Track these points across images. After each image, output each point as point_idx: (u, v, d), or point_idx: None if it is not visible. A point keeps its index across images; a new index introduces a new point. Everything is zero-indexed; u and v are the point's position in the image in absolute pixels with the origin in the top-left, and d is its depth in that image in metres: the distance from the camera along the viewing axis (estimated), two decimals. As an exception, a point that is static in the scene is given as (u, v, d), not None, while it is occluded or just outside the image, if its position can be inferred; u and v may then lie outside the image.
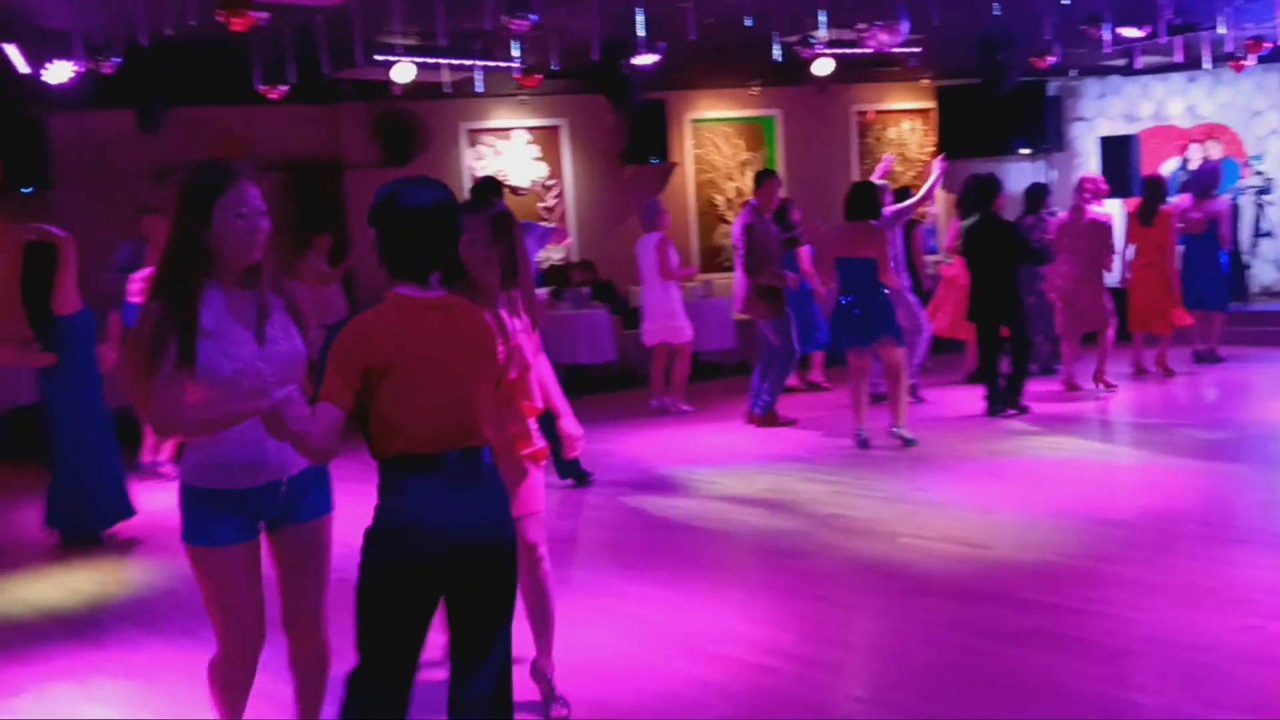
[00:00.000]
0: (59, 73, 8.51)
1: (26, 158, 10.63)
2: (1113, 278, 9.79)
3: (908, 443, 7.85)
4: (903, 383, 7.98)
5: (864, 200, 7.98)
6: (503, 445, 3.70)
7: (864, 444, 7.91)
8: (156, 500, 7.92)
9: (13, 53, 8.51)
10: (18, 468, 7.88)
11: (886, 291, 7.84)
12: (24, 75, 8.79)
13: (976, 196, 8.98)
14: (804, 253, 9.89)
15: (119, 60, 8.32)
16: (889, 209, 8.75)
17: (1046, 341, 10.38)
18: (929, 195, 10.02)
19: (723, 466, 7.77)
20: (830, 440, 8.37)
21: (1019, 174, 13.74)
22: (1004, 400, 8.80)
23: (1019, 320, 8.85)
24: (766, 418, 8.98)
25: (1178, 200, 10.86)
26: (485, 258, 3.61)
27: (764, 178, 9.27)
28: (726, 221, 12.61)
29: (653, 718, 3.93)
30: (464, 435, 2.84)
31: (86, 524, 6.79)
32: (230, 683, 3.27)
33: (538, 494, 3.91)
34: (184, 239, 3.04)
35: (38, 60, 8.53)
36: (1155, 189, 10.14)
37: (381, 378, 2.78)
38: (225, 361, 3.02)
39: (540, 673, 3.96)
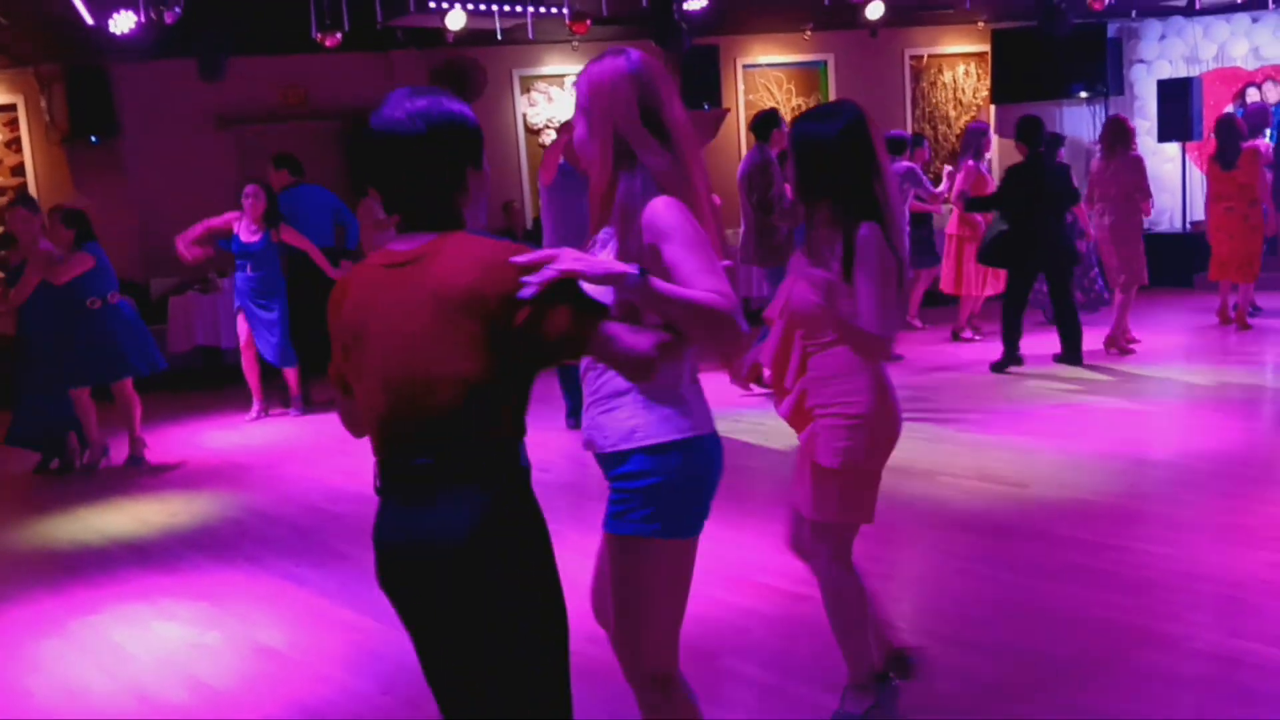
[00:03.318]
0: (123, 22, 8.73)
1: (93, 107, 10.91)
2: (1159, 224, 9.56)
3: None
4: None
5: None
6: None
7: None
8: (225, 439, 8.23)
9: (79, 3, 8.74)
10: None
11: None
12: (90, 26, 9.03)
13: (1024, 137, 8.61)
14: None
15: (180, 10, 8.50)
16: (898, 166, 8.55)
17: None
18: (940, 197, 9.95)
19: (769, 409, 7.87)
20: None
21: (1076, 118, 13.59)
22: (1067, 358, 8.61)
23: (1065, 269, 8.57)
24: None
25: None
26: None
27: (772, 124, 8.42)
28: (778, 167, 12.63)
29: (695, 641, 4.08)
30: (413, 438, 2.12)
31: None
32: None
33: None
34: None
35: (103, 11, 8.75)
36: (1230, 129, 9.61)
37: (345, 358, 2.26)
38: None
39: None
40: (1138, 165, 8.97)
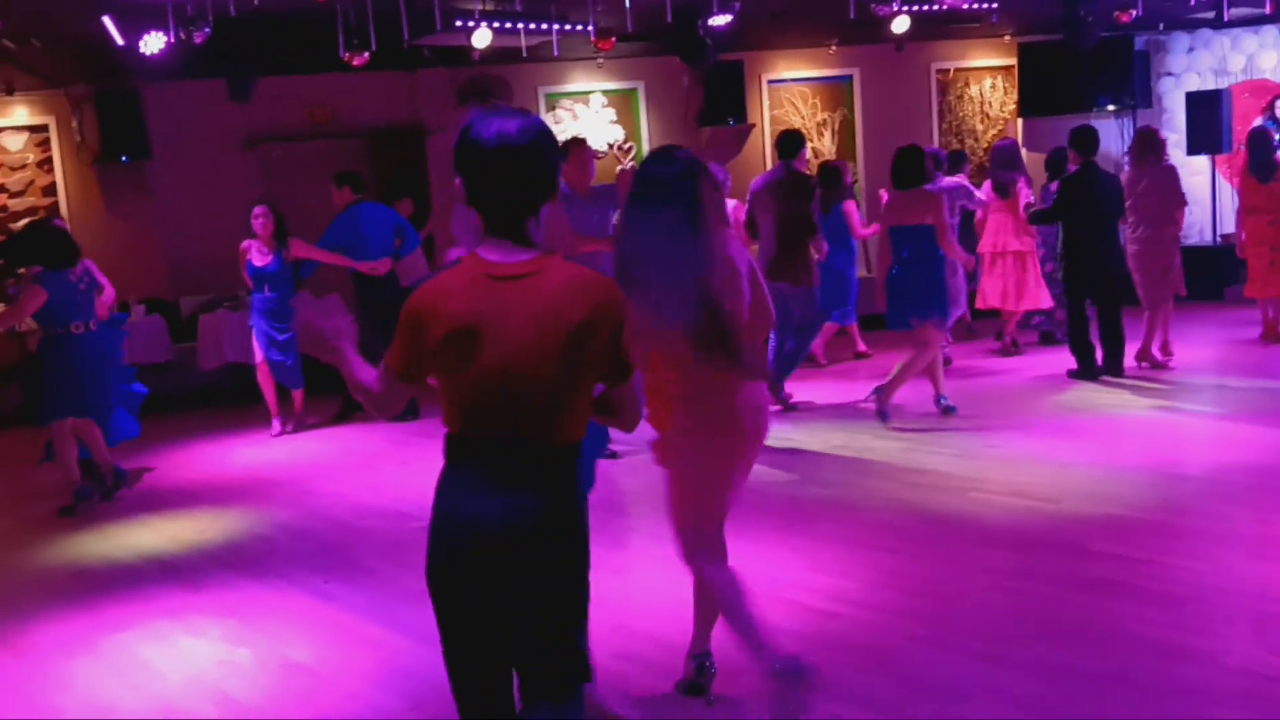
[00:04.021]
0: (153, 43, 8.82)
1: (123, 128, 11.02)
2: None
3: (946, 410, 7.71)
4: (928, 356, 7.61)
5: (915, 165, 7.65)
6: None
7: (948, 411, 7.70)
8: (253, 456, 8.27)
9: (110, 24, 8.84)
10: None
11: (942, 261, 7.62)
12: (121, 47, 9.13)
13: (1080, 145, 8.58)
14: (855, 218, 9.90)
15: (209, 30, 8.58)
16: (947, 181, 8.53)
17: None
18: (988, 206, 9.89)
19: (795, 422, 7.87)
20: (905, 400, 8.40)
21: (1104, 132, 13.43)
22: (1109, 370, 8.54)
23: (1116, 279, 8.50)
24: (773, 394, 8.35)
25: None
26: None
27: (796, 145, 8.36)
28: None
29: (723, 658, 4.05)
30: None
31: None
32: None
33: None
34: None
35: (133, 32, 8.85)
36: (1265, 141, 9.54)
37: (441, 349, 2.46)
38: None
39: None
40: (1171, 174, 8.89)
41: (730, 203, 8.18)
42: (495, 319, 2.41)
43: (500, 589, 2.43)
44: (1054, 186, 9.41)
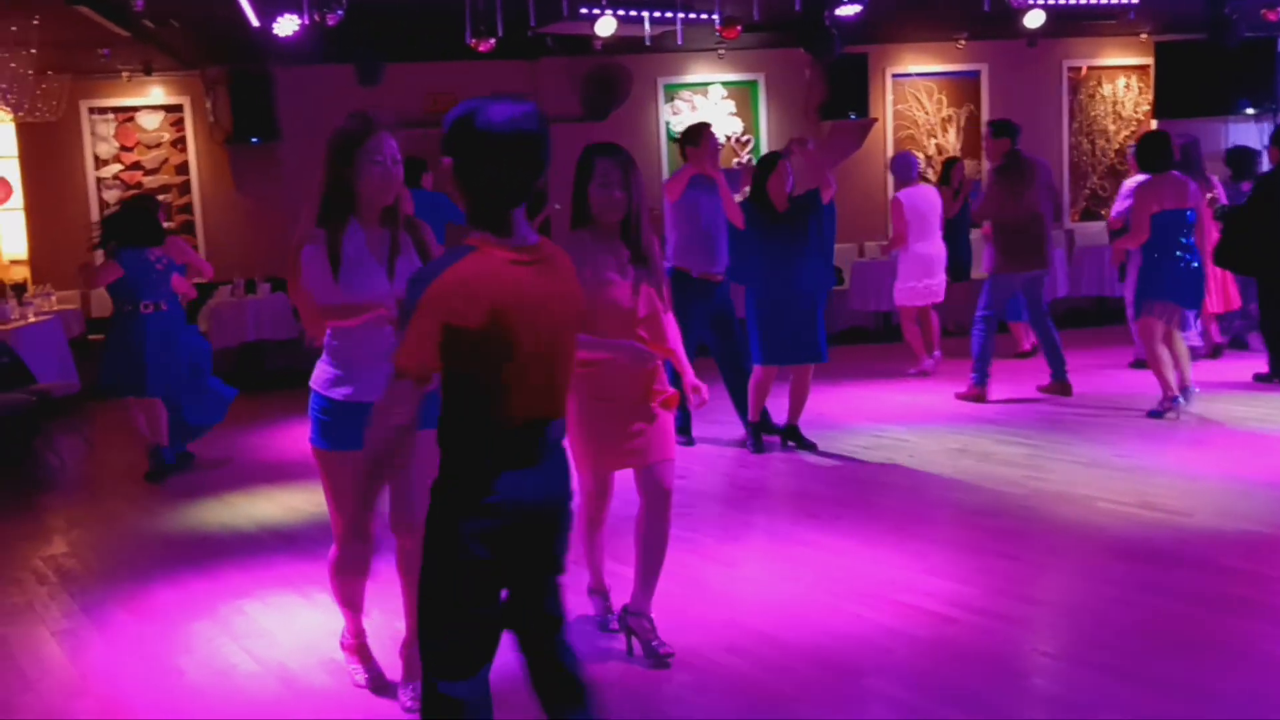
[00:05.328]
0: (286, 25, 9.01)
1: (255, 109, 11.32)
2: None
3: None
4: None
5: (1168, 149, 7.49)
6: (640, 391, 3.88)
7: (1186, 400, 7.52)
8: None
9: (246, 6, 9.05)
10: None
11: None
12: (255, 29, 9.34)
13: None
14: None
15: (342, 12, 8.72)
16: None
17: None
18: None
19: (913, 425, 7.70)
20: (1029, 404, 8.18)
21: (1243, 136, 12.96)
22: (1276, 375, 8.35)
23: None
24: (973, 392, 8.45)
25: None
26: (618, 200, 3.82)
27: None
28: (926, 180, 12.35)
29: (837, 657, 3.98)
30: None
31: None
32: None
33: (671, 440, 4.05)
34: (332, 179, 3.52)
35: (268, 13, 9.05)
36: None
37: (480, 340, 2.45)
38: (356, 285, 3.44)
39: (642, 615, 4.02)
40: None
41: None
42: (531, 304, 2.48)
43: (544, 552, 2.69)
44: (1246, 186, 9.11)
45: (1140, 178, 8.22)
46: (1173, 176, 7.42)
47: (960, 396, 8.39)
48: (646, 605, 4.03)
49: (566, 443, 3.00)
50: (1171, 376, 7.44)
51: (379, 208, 3.54)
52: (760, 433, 7.16)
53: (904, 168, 9.74)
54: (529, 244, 2.54)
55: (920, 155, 12.85)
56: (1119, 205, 9.17)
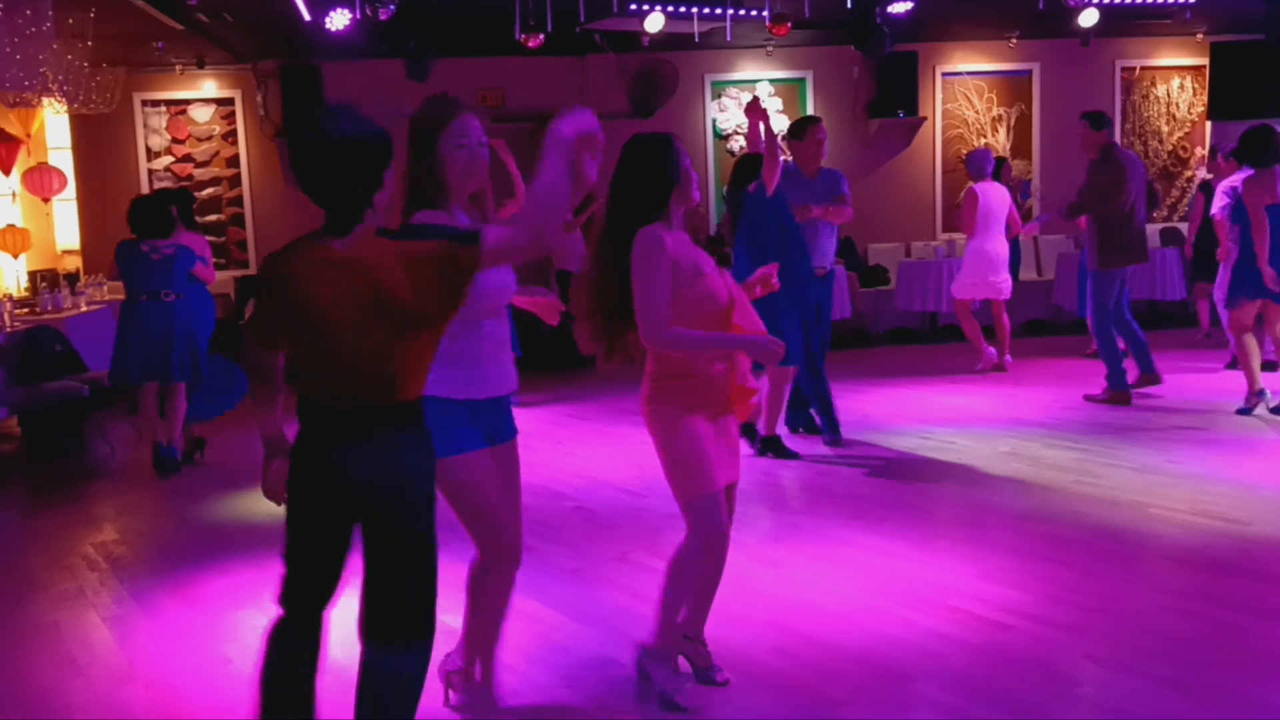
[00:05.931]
0: (338, 20, 9.05)
1: (305, 103, 11.35)
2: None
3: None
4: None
5: (1273, 144, 7.38)
6: (726, 396, 3.62)
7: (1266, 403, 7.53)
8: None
9: (298, 0, 9.11)
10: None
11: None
12: (306, 23, 9.40)
13: None
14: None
15: (394, 7, 8.75)
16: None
17: None
18: None
19: (961, 427, 7.62)
20: (1076, 407, 8.07)
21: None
22: None
23: None
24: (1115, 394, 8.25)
25: None
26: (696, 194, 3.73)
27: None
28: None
29: (885, 661, 3.93)
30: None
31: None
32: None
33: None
34: (415, 166, 3.32)
35: (320, 8, 9.10)
36: None
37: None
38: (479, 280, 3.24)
39: (698, 640, 3.82)
40: None
41: None
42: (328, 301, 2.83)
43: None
44: None
45: (1236, 176, 8.09)
46: (1277, 171, 7.34)
47: (1131, 386, 8.26)
48: (702, 630, 3.85)
49: (664, 475, 3.19)
50: (1258, 370, 7.47)
51: (467, 193, 3.35)
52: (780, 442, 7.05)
53: (980, 162, 9.68)
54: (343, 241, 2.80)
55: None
56: (1219, 202, 8.90)
